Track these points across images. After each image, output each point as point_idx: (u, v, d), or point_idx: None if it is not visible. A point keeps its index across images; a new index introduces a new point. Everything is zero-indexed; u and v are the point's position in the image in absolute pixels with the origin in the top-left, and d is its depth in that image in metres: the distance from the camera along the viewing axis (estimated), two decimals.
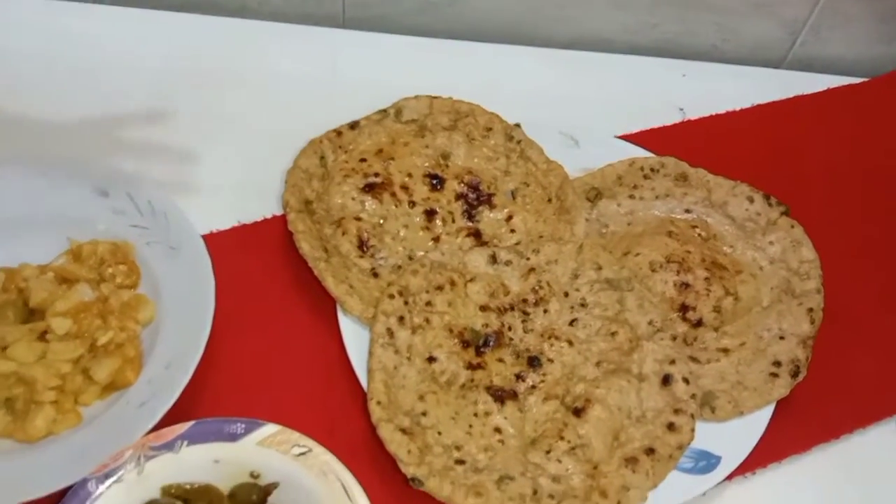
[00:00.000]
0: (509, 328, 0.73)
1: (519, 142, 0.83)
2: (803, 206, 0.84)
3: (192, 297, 0.67)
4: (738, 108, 0.98)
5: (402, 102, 0.85)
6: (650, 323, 0.73)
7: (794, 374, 0.72)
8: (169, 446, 0.59)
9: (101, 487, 0.57)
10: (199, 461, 0.60)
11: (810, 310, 0.75)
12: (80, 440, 0.61)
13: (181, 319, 0.66)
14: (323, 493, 0.59)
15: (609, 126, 0.91)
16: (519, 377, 0.70)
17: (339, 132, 0.82)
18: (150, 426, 0.59)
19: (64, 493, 0.57)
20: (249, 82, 0.91)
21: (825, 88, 1.03)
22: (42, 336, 0.64)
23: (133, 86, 0.88)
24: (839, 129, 0.99)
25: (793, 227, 0.81)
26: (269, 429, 0.60)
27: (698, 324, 0.75)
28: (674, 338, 0.72)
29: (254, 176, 0.82)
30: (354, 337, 0.71)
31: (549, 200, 0.81)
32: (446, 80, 0.88)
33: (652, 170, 0.84)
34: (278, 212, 0.80)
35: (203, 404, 0.67)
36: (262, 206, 0.81)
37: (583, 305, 0.74)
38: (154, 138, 0.84)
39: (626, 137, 0.89)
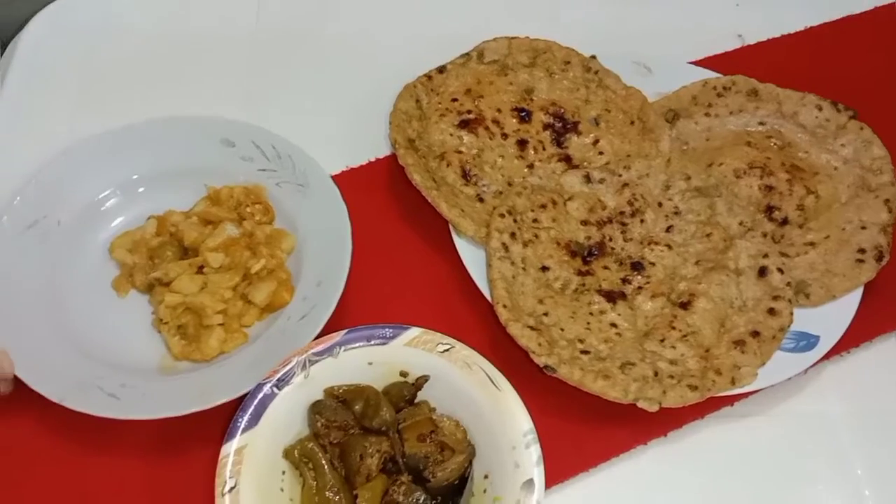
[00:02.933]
0: (610, 239, 0.79)
1: (596, 72, 0.89)
2: (868, 113, 0.88)
3: (328, 224, 0.74)
4: (793, 31, 1.03)
5: (483, 45, 0.90)
6: (741, 224, 0.79)
7: (879, 259, 0.77)
8: (329, 351, 0.66)
9: (275, 390, 0.64)
10: (355, 364, 0.66)
11: (887, 200, 0.81)
12: (252, 354, 0.69)
13: (321, 244, 0.73)
14: (469, 383, 0.65)
15: (672, 55, 0.96)
16: (625, 280, 0.77)
17: (429, 76, 0.88)
18: (316, 333, 0.66)
19: (242, 398, 0.64)
20: (332, 41, 0.97)
21: (872, 7, 1.08)
22: (199, 270, 0.71)
23: (232, 52, 0.95)
24: (892, 42, 1.03)
25: (862, 129, 0.86)
26: (414, 331, 0.67)
27: (784, 222, 0.81)
28: (764, 234, 0.78)
29: (355, 125, 0.89)
30: (470, 255, 0.77)
31: (632, 123, 0.86)
32: (515, 22, 0.94)
33: (724, 88, 0.89)
34: (380, 154, 0.87)
35: (343, 325, 0.74)
36: (365, 151, 0.87)
37: (676, 213, 0.80)
38: (260, 95, 0.91)
39: (694, 63, 0.95)
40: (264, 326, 0.71)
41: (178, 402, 0.64)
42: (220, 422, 0.64)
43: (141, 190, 0.78)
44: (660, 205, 0.80)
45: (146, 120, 0.80)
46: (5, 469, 0.67)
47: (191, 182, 0.78)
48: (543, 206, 0.78)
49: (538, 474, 0.61)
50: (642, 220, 0.80)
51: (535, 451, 0.62)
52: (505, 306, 0.72)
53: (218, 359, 0.69)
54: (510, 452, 0.62)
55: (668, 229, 0.79)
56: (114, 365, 0.68)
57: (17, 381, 0.67)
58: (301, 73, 0.94)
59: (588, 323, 0.73)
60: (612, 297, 0.75)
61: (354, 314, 0.75)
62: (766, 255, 0.76)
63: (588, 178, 0.81)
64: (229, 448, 0.61)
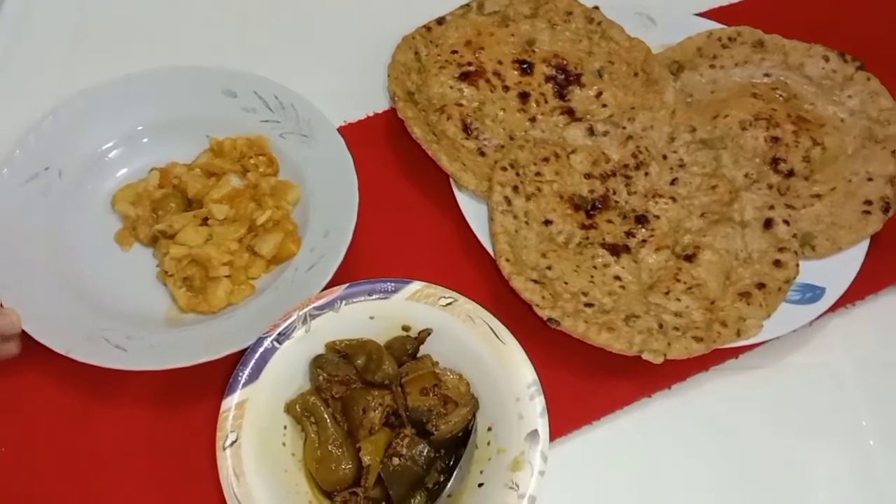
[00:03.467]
0: (614, 192, 0.78)
1: (599, 23, 0.87)
2: (876, 64, 0.87)
3: (334, 174, 0.73)
4: None
5: None
6: (746, 175, 0.78)
7: (885, 210, 0.77)
8: (330, 305, 0.65)
9: (276, 344, 0.63)
10: (357, 318, 0.65)
11: (894, 152, 0.79)
12: (260, 305, 0.68)
13: (327, 195, 0.72)
14: (472, 336, 0.64)
15: (678, 6, 0.94)
16: (629, 234, 0.76)
17: (428, 28, 0.86)
18: (325, 283, 0.66)
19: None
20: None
21: None
22: (204, 222, 0.70)
23: (227, 5, 0.93)
24: None
25: (869, 79, 0.85)
26: (416, 285, 0.66)
27: (790, 174, 0.80)
28: (770, 186, 0.77)
29: (352, 79, 0.87)
30: (472, 209, 0.76)
31: (636, 74, 0.85)
32: None
33: (729, 39, 0.87)
34: (379, 109, 0.86)
35: (344, 280, 0.73)
36: (364, 105, 0.86)
37: (681, 165, 0.79)
38: (256, 50, 0.89)
39: (700, 15, 0.93)
40: (272, 279, 0.71)
41: (186, 354, 0.64)
42: (227, 375, 0.63)
43: (144, 141, 0.77)
44: (664, 157, 0.79)
45: (146, 70, 0.79)
46: (11, 421, 0.67)
47: (192, 134, 0.77)
48: (546, 160, 0.77)
49: (542, 425, 0.60)
50: (646, 173, 0.78)
51: (539, 403, 0.61)
52: (508, 260, 0.71)
53: (225, 310, 0.69)
54: (514, 404, 0.62)
55: (673, 182, 0.78)
56: (120, 318, 0.68)
57: (23, 338, 0.66)
58: (297, 26, 0.93)
59: (592, 276, 0.72)
60: (615, 250, 0.74)
61: (355, 270, 0.74)
62: (771, 207, 0.76)
63: (591, 131, 0.80)
64: (230, 402, 0.61)
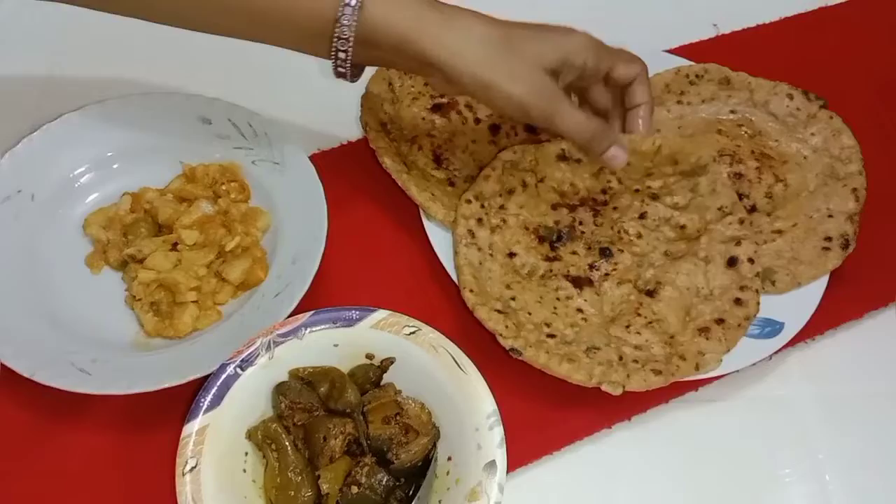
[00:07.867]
0: (580, 223, 0.79)
1: None
2: (839, 103, 0.89)
3: (304, 202, 0.74)
4: (768, 21, 1.04)
5: None
6: (720, 209, 0.78)
7: (845, 247, 0.78)
8: (294, 333, 0.66)
9: (239, 370, 0.64)
10: (321, 346, 0.66)
11: (854, 189, 0.81)
12: (226, 331, 0.69)
13: (297, 222, 0.73)
14: (434, 365, 0.65)
15: (647, 43, 0.97)
16: (592, 266, 0.77)
17: None
18: (290, 310, 0.66)
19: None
20: None
21: None
22: (174, 247, 0.71)
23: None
24: (865, 34, 1.03)
25: (832, 118, 0.86)
26: (381, 314, 0.67)
27: (752, 210, 0.81)
28: (741, 221, 0.78)
29: (326, 108, 0.88)
30: (440, 239, 0.77)
31: None
32: (492, 8, 0.93)
33: (697, 76, 0.89)
34: (352, 138, 0.87)
35: (313, 306, 0.74)
36: (337, 134, 0.87)
37: (653, 197, 0.80)
38: (230, 80, 0.90)
39: (669, 52, 0.95)
40: (238, 304, 0.72)
41: (150, 378, 0.64)
42: (191, 400, 0.63)
43: (115, 166, 0.78)
44: (636, 191, 0.80)
45: (123, 96, 0.80)
46: None
47: (166, 159, 0.78)
48: (511, 192, 0.78)
49: (500, 455, 0.61)
50: (615, 207, 0.80)
51: (497, 433, 0.62)
52: (472, 291, 0.72)
53: (192, 335, 0.70)
54: (473, 434, 0.62)
55: (642, 216, 0.79)
56: (87, 341, 0.68)
57: None
58: (273, 54, 0.93)
59: (555, 308, 0.73)
60: (579, 283, 0.75)
61: (324, 296, 0.75)
62: (738, 243, 0.76)
63: (564, 156, 0.80)
64: (191, 428, 0.61)
